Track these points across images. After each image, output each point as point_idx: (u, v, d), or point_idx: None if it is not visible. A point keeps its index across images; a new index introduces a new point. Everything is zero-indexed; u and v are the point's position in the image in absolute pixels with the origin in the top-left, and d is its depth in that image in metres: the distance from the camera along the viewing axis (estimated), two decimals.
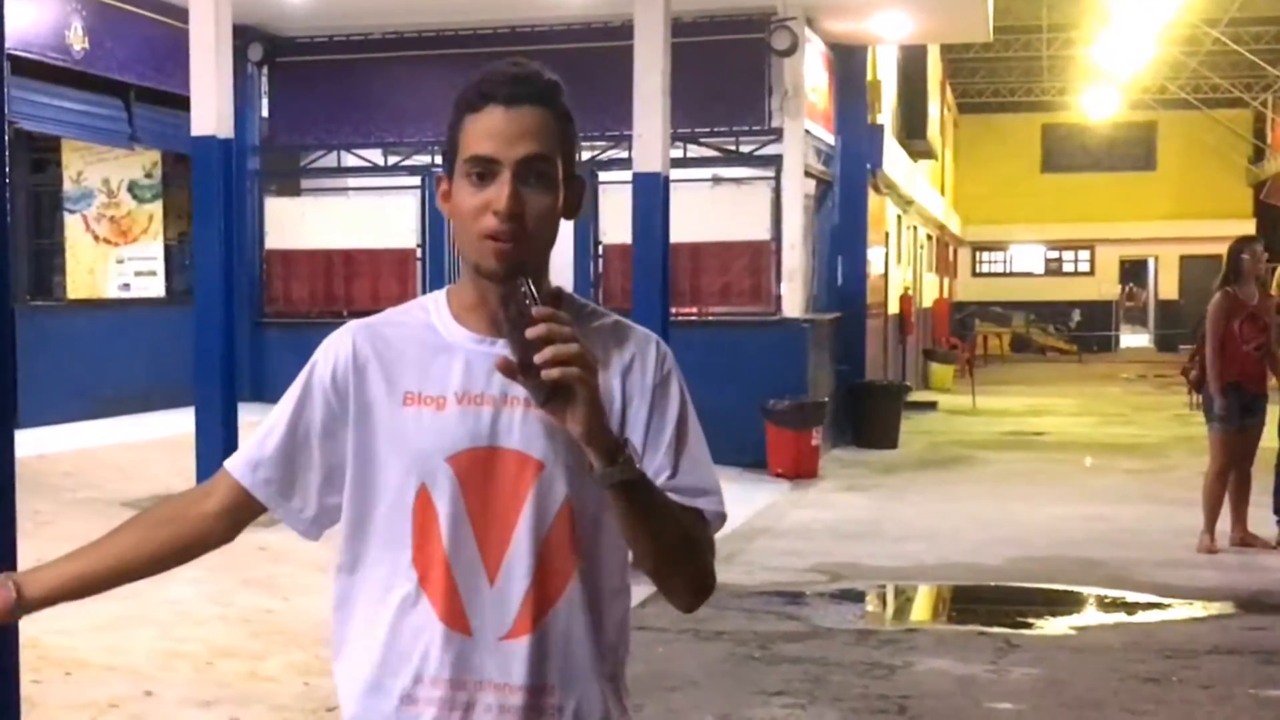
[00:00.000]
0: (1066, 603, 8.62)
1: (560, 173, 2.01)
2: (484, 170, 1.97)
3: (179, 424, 11.03)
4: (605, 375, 2.00)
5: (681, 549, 1.99)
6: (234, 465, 2.15)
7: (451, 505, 2.01)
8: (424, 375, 2.05)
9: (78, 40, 12.83)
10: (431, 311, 2.11)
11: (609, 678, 2.07)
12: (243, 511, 2.16)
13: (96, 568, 2.17)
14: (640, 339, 2.10)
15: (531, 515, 2.00)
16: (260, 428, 2.16)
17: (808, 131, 14.89)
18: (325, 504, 2.13)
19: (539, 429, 1.98)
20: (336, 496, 2.11)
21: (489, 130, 1.98)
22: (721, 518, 2.06)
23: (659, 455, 2.03)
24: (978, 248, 40.05)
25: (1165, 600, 8.38)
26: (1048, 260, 40.83)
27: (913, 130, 22.97)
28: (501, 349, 1.96)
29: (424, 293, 13.87)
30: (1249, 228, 28.00)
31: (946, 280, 33.82)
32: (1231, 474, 9.61)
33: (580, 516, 2.01)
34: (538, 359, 1.81)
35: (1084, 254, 40.23)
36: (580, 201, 2.09)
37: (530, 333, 1.82)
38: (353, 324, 2.13)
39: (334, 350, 2.11)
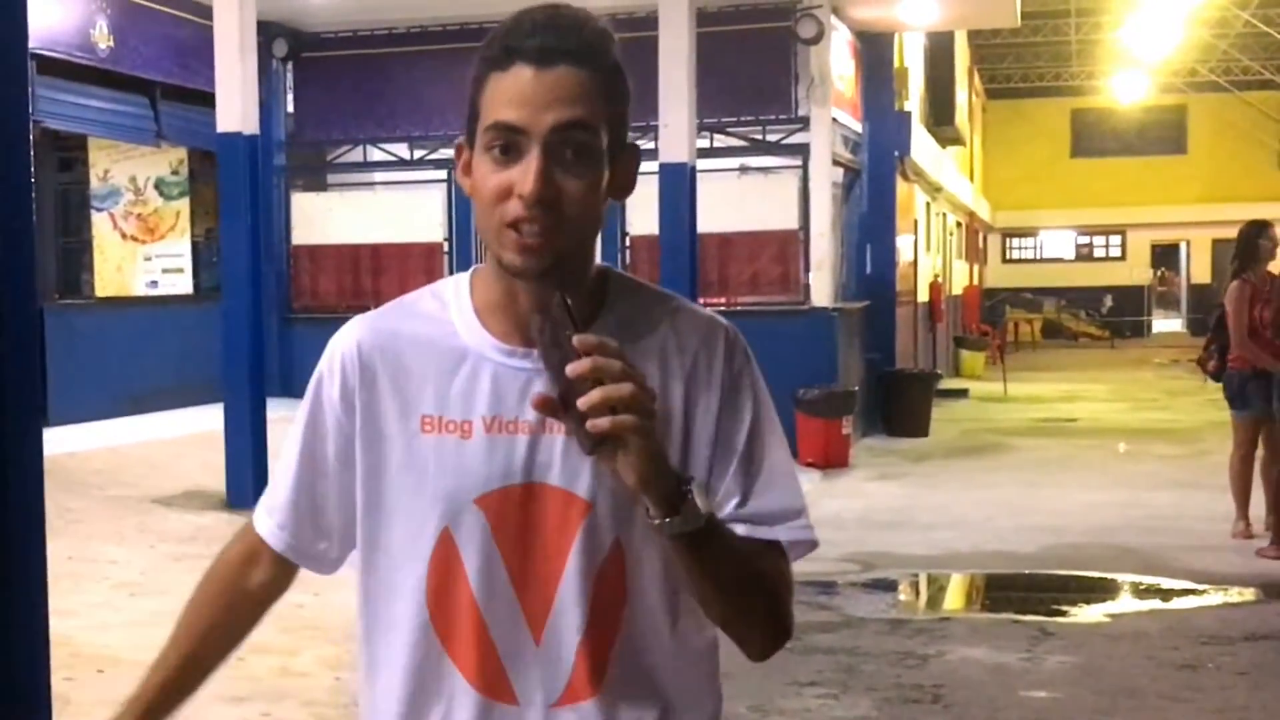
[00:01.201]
0: (1101, 590, 8.55)
1: (606, 144, 1.65)
2: (508, 142, 1.61)
3: (208, 420, 11.06)
4: (664, 378, 1.71)
5: (754, 595, 1.70)
6: (261, 522, 1.89)
7: (483, 555, 1.70)
8: (444, 394, 1.71)
9: (103, 39, 12.87)
10: (451, 305, 1.76)
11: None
12: (291, 562, 1.91)
13: (184, 681, 1.95)
14: (705, 329, 1.76)
15: (579, 562, 1.69)
16: (278, 463, 1.88)
17: (835, 120, 14.83)
18: (347, 536, 1.83)
19: (585, 461, 1.65)
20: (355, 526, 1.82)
21: (515, 94, 1.61)
22: (807, 544, 1.76)
23: (727, 478, 1.72)
24: (1008, 234, 39.87)
25: (1200, 586, 8.32)
26: (1078, 245, 40.62)
27: (941, 117, 22.86)
28: (536, 364, 1.65)
29: None
30: None
31: (976, 267, 33.69)
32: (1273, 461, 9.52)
33: (629, 555, 1.71)
34: (582, 404, 1.51)
35: (1115, 239, 40.02)
36: (634, 177, 1.75)
37: (572, 370, 1.51)
38: (358, 322, 1.80)
39: (339, 357, 1.78)
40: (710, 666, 1.82)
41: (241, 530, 1.95)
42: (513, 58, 1.62)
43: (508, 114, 1.61)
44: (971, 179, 30.87)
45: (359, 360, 1.76)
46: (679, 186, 10.53)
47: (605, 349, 1.51)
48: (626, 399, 1.50)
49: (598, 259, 1.80)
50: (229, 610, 1.93)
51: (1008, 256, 40.48)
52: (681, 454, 1.71)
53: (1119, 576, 8.73)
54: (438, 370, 1.73)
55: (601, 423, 1.50)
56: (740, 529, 1.70)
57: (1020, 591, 8.77)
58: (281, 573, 1.92)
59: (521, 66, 1.62)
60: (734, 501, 1.72)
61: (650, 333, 1.73)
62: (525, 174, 1.60)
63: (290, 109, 16.17)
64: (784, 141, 14.91)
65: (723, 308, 14.29)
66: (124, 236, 15.46)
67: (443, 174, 15.65)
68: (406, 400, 1.74)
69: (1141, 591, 8.40)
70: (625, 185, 1.73)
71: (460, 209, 15.17)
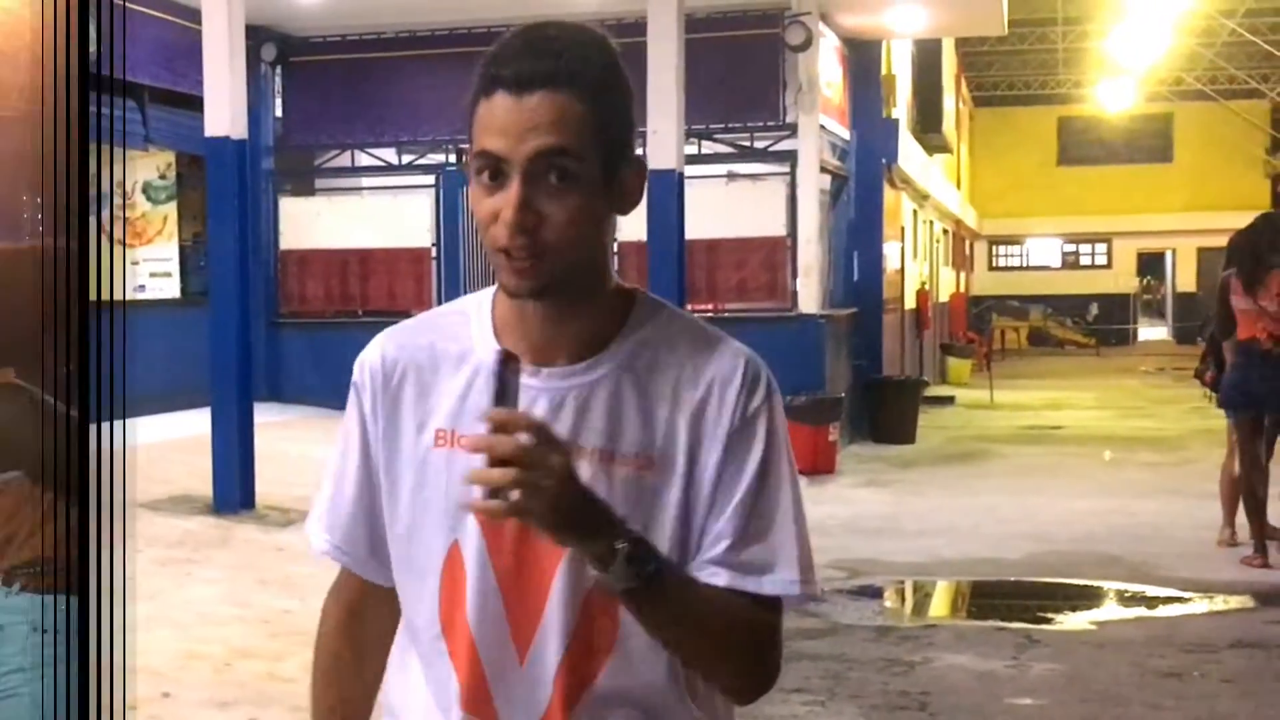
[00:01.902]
0: (1087, 597, 8.58)
1: (598, 164, 1.63)
2: (494, 169, 1.62)
3: (195, 424, 11.03)
4: (671, 411, 1.68)
5: (718, 648, 1.68)
6: (317, 537, 1.86)
7: (479, 571, 1.69)
8: (459, 408, 1.72)
9: (90, 42, 12.84)
10: (473, 319, 1.76)
11: None
12: (378, 585, 1.86)
13: None
14: (724, 361, 1.71)
15: (565, 583, 1.67)
16: (327, 485, 1.86)
17: (822, 127, 14.84)
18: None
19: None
20: None
21: (495, 124, 1.61)
22: (802, 598, 1.73)
23: (722, 519, 1.67)
24: (994, 241, 39.93)
25: (1186, 594, 8.33)
26: (1065, 253, 40.72)
27: (928, 124, 22.90)
28: (544, 382, 1.68)
29: (439, 292, 13.63)
30: None
31: (963, 274, 33.73)
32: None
33: None
34: (462, 480, 1.55)
35: (1101, 247, 40.11)
36: (637, 192, 1.71)
37: (465, 445, 1.56)
38: (384, 336, 1.82)
39: (365, 371, 1.79)
40: (711, 700, 1.78)
41: (326, 601, 1.93)
42: (495, 86, 1.62)
43: (490, 143, 1.62)
44: (959, 186, 30.92)
45: (383, 373, 1.78)
46: (667, 193, 10.54)
47: (511, 422, 1.52)
48: (515, 480, 1.49)
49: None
50: (363, 696, 1.93)
51: (994, 264, 40.56)
52: (683, 492, 1.68)
53: (1105, 584, 8.75)
54: (453, 384, 1.73)
55: (483, 505, 1.52)
56: (723, 576, 1.67)
57: (1006, 599, 8.77)
58: (386, 605, 1.84)
59: (501, 95, 1.61)
60: (722, 545, 1.68)
61: (667, 361, 1.71)
62: (507, 202, 1.61)
63: (279, 113, 16.16)
64: (772, 148, 14.94)
65: (710, 314, 14.31)
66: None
67: (431, 179, 15.65)
68: (425, 414, 1.74)
69: (1127, 599, 8.42)
70: (628, 200, 1.71)
71: (449, 215, 15.17)
